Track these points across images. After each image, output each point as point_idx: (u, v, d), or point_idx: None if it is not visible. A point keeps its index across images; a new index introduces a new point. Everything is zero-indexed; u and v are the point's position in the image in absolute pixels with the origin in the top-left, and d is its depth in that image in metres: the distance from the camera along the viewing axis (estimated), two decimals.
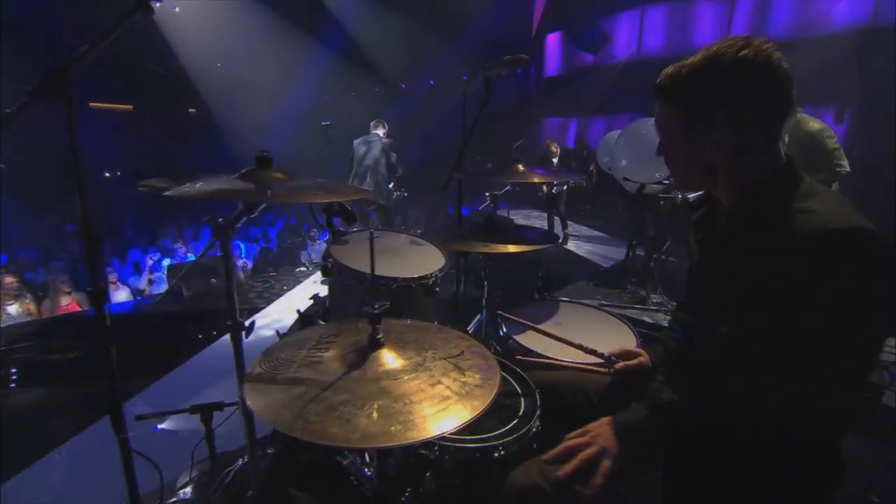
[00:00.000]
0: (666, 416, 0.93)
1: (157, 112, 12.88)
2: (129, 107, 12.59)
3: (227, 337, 1.47)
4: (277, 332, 2.02)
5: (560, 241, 6.91)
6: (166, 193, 1.33)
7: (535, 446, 1.20)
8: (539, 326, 1.51)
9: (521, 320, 1.49)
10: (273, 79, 11.88)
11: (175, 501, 1.88)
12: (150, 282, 7.12)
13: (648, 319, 3.63)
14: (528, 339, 1.71)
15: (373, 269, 0.81)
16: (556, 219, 6.92)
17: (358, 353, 0.84)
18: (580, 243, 7.15)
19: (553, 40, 12.74)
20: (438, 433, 0.67)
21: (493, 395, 0.76)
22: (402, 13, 11.26)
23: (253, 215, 1.35)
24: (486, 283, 2.28)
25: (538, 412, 1.20)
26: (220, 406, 1.82)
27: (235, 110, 11.55)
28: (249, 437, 1.61)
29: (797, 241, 0.79)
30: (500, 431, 1.13)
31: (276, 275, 6.28)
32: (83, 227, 1.18)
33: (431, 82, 13.16)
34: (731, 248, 0.96)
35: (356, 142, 5.18)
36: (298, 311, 1.70)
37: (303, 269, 6.64)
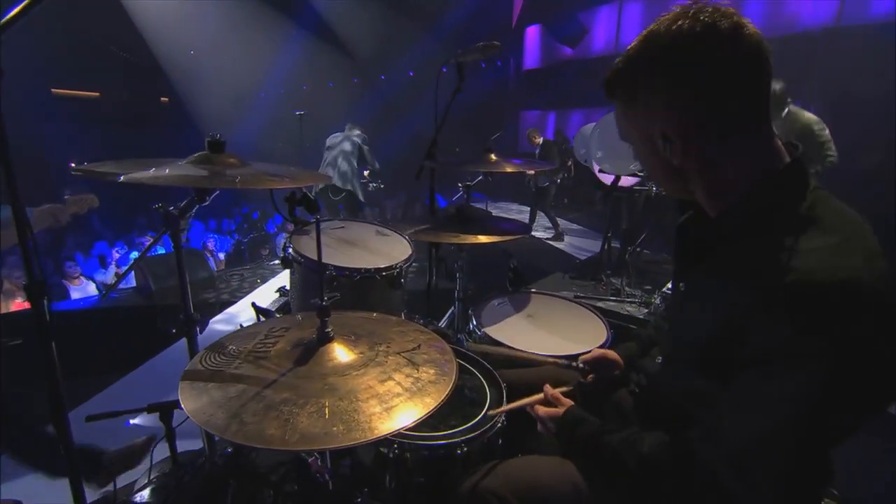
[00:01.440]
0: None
1: (126, 100, 12.38)
2: (97, 94, 12.04)
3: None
4: (241, 325, 1.95)
5: (546, 235, 6.95)
6: (121, 179, 1.23)
7: (500, 442, 1.18)
8: (514, 347, 1.47)
9: (494, 348, 1.43)
10: (249, 68, 11.57)
11: (138, 493, 1.80)
12: (117, 276, 6.89)
13: (623, 311, 3.66)
14: (500, 333, 1.68)
15: (320, 257, 0.75)
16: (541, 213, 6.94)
17: (305, 348, 0.79)
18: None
19: (532, 33, 12.75)
20: (383, 434, 0.62)
21: (447, 392, 0.72)
22: (383, 5, 11.11)
23: (205, 203, 1.27)
24: (458, 275, 2.24)
25: (499, 413, 1.17)
26: (176, 405, 1.74)
27: (209, 99, 11.20)
28: (206, 437, 1.55)
29: (770, 295, 0.65)
30: (464, 427, 1.10)
31: (250, 267, 6.13)
32: (15, 212, 1.08)
33: (411, 74, 13.03)
34: (704, 276, 0.82)
35: (329, 138, 5.29)
36: (253, 304, 1.63)
37: (277, 261, 6.50)
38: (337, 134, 5.34)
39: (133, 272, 6.54)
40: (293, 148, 6.52)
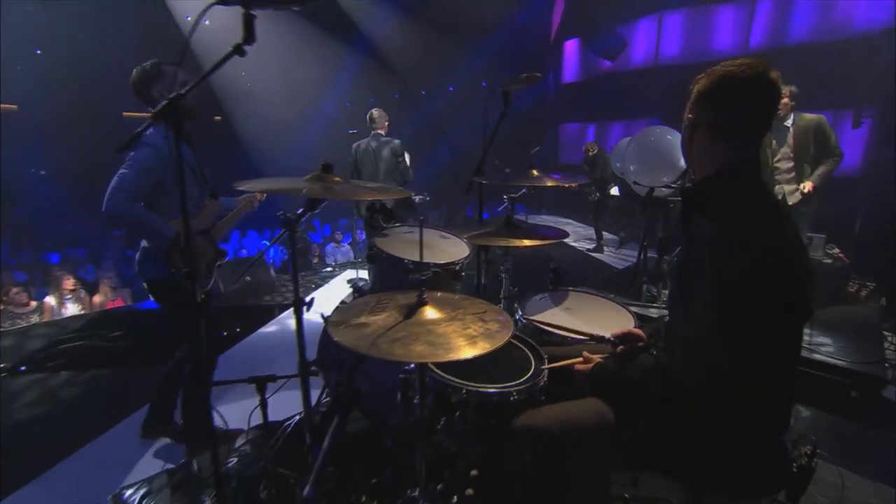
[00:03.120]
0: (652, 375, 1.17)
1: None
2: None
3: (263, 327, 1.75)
4: (322, 314, 2.34)
5: (587, 246, 7.17)
6: (239, 188, 1.64)
7: (542, 398, 1.49)
8: (553, 322, 1.82)
9: (540, 322, 1.77)
10: (296, 86, 12.13)
11: (236, 451, 2.22)
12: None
13: (655, 314, 3.85)
14: (541, 321, 1.99)
15: (421, 254, 1.11)
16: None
17: (409, 309, 1.15)
18: (595, 245, 7.33)
19: (571, 47, 12.96)
20: (471, 355, 0.97)
21: (508, 336, 1.06)
22: (424, 22, 11.49)
23: (316, 211, 1.67)
24: (503, 276, 2.55)
25: (546, 369, 1.49)
26: (273, 378, 2.14)
27: (258, 118, 11.80)
28: (304, 396, 1.92)
29: (714, 239, 1.05)
30: (516, 381, 1.43)
31: (304, 274, 6.65)
32: (183, 216, 1.46)
33: (451, 89, 13.44)
34: (686, 239, 1.22)
35: (359, 147, 4.60)
36: (349, 282, 2.02)
37: (329, 268, 6.99)
38: (366, 141, 4.59)
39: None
40: (343, 164, 7.01)
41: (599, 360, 1.30)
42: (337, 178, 1.60)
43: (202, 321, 2.21)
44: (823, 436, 2.46)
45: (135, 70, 2.09)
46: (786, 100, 3.49)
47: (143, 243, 2.08)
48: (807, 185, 3.51)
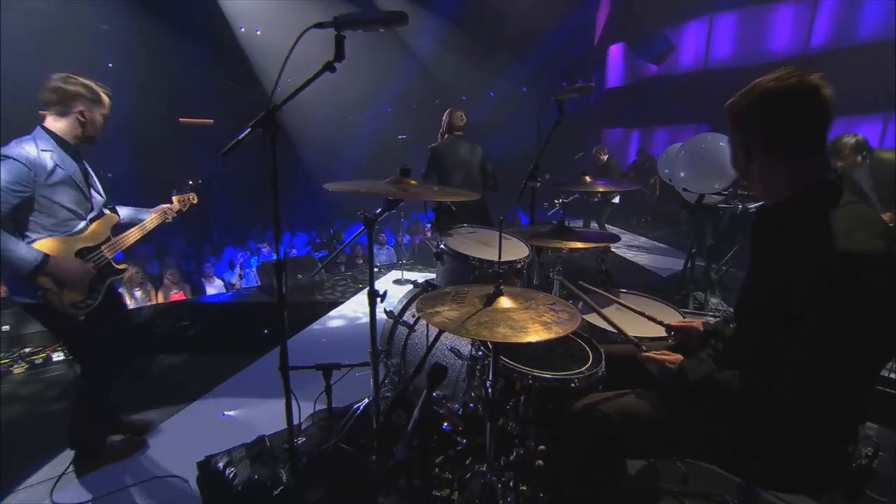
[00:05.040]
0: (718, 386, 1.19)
1: (234, 125, 13.97)
2: (211, 121, 13.58)
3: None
4: (385, 309, 2.51)
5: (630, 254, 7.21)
6: (325, 186, 1.81)
7: (600, 388, 1.60)
8: (609, 296, 1.91)
9: (597, 290, 1.88)
10: (339, 91, 12.38)
11: (305, 431, 2.42)
12: (240, 276, 8.09)
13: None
14: (594, 318, 2.09)
15: (500, 254, 1.27)
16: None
17: (487, 298, 1.30)
18: (640, 253, 7.26)
19: (615, 51, 12.83)
20: (548, 337, 1.11)
21: (577, 324, 1.19)
22: (466, 28, 11.48)
23: (393, 210, 1.84)
24: (555, 277, 2.66)
25: (603, 362, 1.60)
26: (338, 366, 2.33)
27: (302, 122, 11.95)
28: (375, 381, 2.10)
29: (806, 257, 1.03)
30: (576, 370, 1.55)
31: (351, 274, 6.92)
32: (274, 218, 1.64)
33: (492, 94, 13.51)
34: (764, 254, 1.22)
35: (441, 149, 4.03)
36: (427, 283, 2.20)
37: (374, 269, 7.23)
38: (451, 140, 4.04)
39: (258, 274, 7.66)
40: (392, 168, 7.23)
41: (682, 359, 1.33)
42: (412, 182, 1.77)
43: (91, 338, 2.04)
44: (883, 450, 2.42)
45: (44, 84, 1.95)
46: (845, 160, 3.39)
47: None
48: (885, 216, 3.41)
